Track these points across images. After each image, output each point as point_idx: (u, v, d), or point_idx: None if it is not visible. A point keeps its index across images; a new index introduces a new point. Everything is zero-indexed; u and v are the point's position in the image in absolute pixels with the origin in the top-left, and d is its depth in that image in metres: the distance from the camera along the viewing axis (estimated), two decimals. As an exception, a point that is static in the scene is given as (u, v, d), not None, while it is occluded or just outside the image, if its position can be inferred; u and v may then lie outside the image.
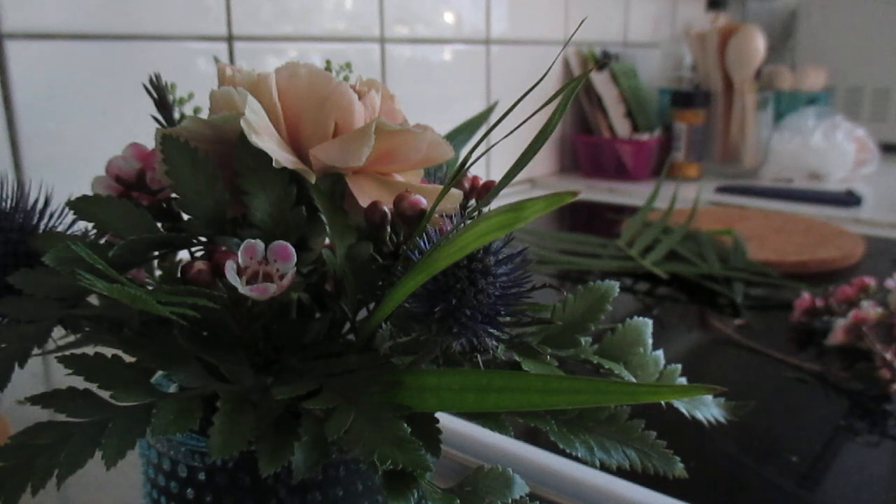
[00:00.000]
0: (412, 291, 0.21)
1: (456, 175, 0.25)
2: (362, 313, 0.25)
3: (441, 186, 0.29)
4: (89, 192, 0.25)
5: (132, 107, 0.69)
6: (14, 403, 0.43)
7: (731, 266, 0.79)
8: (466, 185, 0.30)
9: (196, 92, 0.34)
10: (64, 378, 0.22)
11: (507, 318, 0.23)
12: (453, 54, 1.12)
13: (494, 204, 0.29)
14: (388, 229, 0.25)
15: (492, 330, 0.22)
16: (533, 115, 0.26)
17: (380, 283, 0.24)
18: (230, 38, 0.80)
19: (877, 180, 1.34)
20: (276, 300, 0.22)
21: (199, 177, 0.24)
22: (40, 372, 0.52)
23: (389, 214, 0.25)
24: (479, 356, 0.23)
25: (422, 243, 0.23)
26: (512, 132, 0.26)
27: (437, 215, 0.25)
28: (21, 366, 0.24)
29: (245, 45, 0.82)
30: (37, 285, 0.23)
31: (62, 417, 0.21)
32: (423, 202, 0.25)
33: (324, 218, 0.24)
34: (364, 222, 0.25)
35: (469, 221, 0.21)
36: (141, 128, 0.29)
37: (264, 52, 0.85)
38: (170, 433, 0.21)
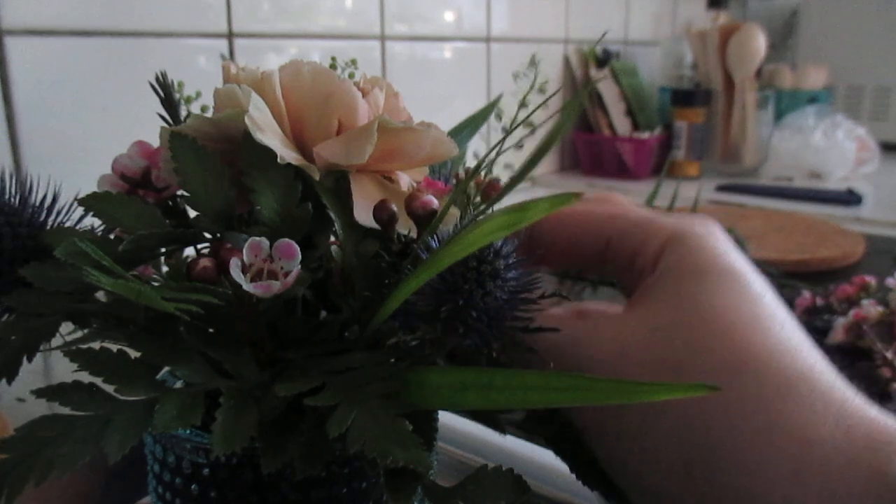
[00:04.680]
0: (418, 289, 0.21)
1: (470, 177, 0.25)
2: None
3: (441, 184, 0.29)
4: (91, 189, 0.26)
5: (133, 103, 0.70)
6: (14, 401, 0.43)
7: (731, 265, 0.79)
8: (473, 184, 0.30)
9: (197, 89, 0.34)
10: (65, 375, 0.22)
11: (513, 323, 0.23)
12: (454, 52, 1.12)
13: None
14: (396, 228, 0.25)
15: (497, 333, 0.22)
16: (542, 123, 0.26)
17: (386, 281, 0.25)
18: (230, 35, 0.80)
19: (877, 179, 1.34)
20: (281, 297, 0.22)
21: (208, 174, 0.24)
22: (40, 369, 0.52)
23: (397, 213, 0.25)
24: (483, 358, 0.23)
25: (431, 242, 0.23)
26: (522, 139, 0.27)
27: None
28: (29, 360, 0.24)
29: (245, 41, 0.82)
30: (47, 279, 0.23)
31: (65, 413, 0.21)
32: (435, 202, 0.25)
33: (331, 215, 0.24)
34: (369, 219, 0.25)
35: (476, 221, 0.21)
36: (142, 124, 0.29)
37: (265, 49, 0.85)
38: (172, 428, 0.21)
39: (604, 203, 0.28)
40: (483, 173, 0.30)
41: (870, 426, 0.21)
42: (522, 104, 0.27)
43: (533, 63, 0.29)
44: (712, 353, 0.22)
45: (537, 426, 0.26)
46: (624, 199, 0.28)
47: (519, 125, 0.27)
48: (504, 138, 0.26)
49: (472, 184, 0.30)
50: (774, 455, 0.20)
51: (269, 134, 0.24)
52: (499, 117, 0.27)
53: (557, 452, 0.26)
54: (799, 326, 0.24)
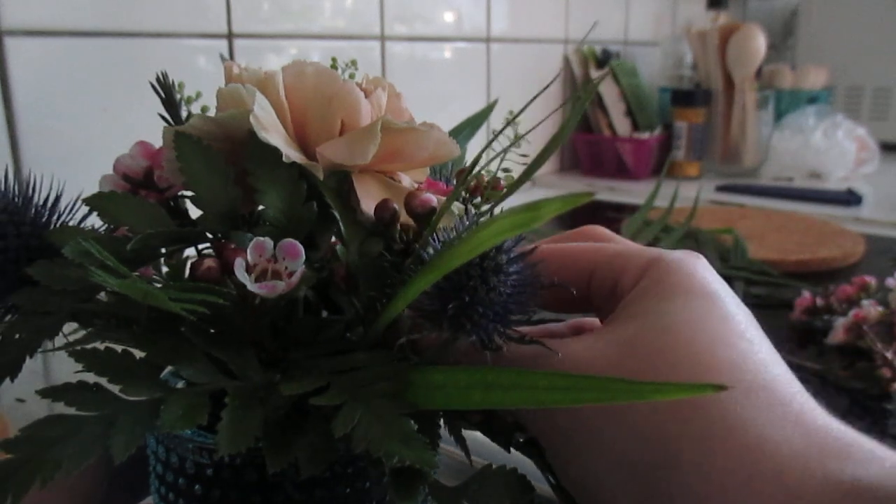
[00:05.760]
0: (424, 289, 0.21)
1: (467, 175, 0.25)
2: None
3: (442, 183, 0.29)
4: (92, 189, 0.26)
5: (132, 104, 0.69)
6: (14, 402, 0.43)
7: (731, 265, 0.79)
8: (472, 182, 0.30)
9: (197, 89, 0.34)
10: (65, 375, 0.22)
11: (518, 317, 0.23)
12: (453, 52, 1.12)
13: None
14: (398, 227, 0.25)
15: (503, 329, 0.22)
16: (542, 122, 0.26)
17: (389, 280, 0.25)
18: (230, 36, 0.80)
19: (877, 179, 1.34)
20: (285, 297, 0.22)
21: (213, 174, 0.24)
22: (39, 369, 0.52)
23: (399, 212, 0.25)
24: (488, 354, 0.23)
25: (434, 241, 0.23)
26: (521, 137, 0.27)
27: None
28: (30, 356, 0.24)
29: (245, 42, 0.82)
30: (54, 278, 0.23)
31: (70, 413, 0.21)
32: (434, 200, 0.25)
33: (336, 214, 0.24)
34: (370, 219, 0.25)
35: (483, 220, 0.21)
36: (141, 125, 0.29)
37: (264, 49, 0.85)
38: (178, 428, 0.21)
39: (585, 236, 0.28)
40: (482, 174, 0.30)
41: (827, 435, 0.21)
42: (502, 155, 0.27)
43: (513, 122, 0.29)
44: (673, 364, 0.22)
45: (535, 450, 0.26)
46: (605, 231, 0.29)
47: (508, 123, 0.27)
48: (494, 138, 0.26)
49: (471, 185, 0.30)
50: (730, 461, 0.20)
51: (274, 133, 0.24)
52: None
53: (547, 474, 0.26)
54: (772, 346, 0.24)
